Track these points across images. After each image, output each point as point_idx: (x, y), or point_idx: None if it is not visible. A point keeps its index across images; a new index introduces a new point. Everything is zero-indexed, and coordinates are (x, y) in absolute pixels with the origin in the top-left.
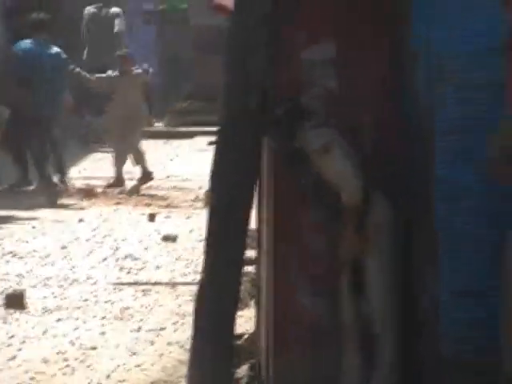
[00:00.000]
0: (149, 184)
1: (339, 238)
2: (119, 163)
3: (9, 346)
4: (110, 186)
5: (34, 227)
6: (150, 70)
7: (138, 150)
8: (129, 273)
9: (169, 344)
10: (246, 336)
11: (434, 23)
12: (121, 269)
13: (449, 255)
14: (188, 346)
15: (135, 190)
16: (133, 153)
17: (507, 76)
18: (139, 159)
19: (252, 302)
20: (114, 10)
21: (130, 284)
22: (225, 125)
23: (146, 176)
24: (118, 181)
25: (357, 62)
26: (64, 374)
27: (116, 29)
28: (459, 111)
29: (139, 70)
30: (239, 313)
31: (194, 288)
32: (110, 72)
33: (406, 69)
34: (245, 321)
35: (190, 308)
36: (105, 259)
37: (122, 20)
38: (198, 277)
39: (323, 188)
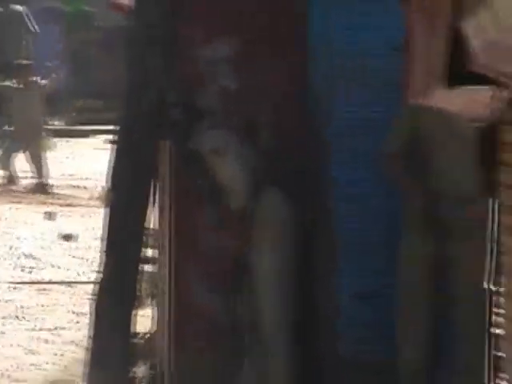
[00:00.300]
0: (47, 183)
1: (231, 237)
2: (12, 161)
3: None
4: (5, 183)
5: None
6: (53, 75)
7: (38, 160)
8: (26, 272)
9: (66, 343)
10: (145, 335)
11: (333, 23)
12: (18, 268)
13: (347, 255)
14: (85, 345)
15: (34, 190)
16: (33, 161)
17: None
18: (38, 169)
19: (150, 301)
20: (19, 8)
21: (26, 283)
22: (124, 123)
23: (40, 187)
24: (12, 179)
25: (256, 61)
26: None
27: (31, 28)
28: (357, 112)
29: (42, 81)
30: (139, 312)
31: (91, 287)
32: (11, 82)
33: (308, 68)
34: (144, 320)
35: (86, 307)
36: (1, 258)
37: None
38: (96, 276)
39: (217, 189)
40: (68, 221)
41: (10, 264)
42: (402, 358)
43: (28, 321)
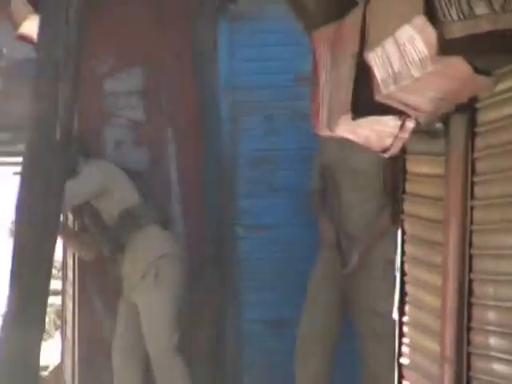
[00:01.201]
0: None
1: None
2: None
3: None
4: None
5: None
6: None
7: None
8: None
9: None
10: (51, 367)
11: (235, 56)
12: None
13: (252, 285)
14: None
15: None
16: None
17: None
18: None
19: (57, 333)
20: None
21: None
22: (30, 156)
23: None
24: None
25: (163, 93)
26: None
27: None
28: (265, 142)
29: None
30: (45, 344)
31: None
32: None
33: (213, 100)
34: (50, 352)
35: None
36: None
37: None
38: None
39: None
40: None
41: None
42: None
43: None
